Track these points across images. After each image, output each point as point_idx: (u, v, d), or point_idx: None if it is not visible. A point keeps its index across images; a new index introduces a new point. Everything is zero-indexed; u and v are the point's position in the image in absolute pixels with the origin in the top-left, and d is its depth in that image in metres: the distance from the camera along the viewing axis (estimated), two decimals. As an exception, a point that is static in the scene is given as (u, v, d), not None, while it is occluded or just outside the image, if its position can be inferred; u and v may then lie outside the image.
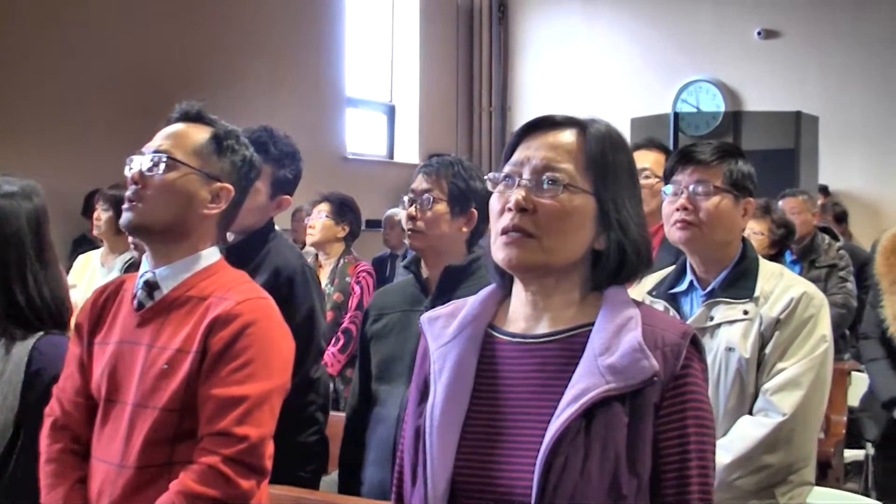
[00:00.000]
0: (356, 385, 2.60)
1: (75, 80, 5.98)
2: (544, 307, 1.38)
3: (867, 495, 3.92)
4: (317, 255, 4.46)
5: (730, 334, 2.18)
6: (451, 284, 2.34)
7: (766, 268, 2.29)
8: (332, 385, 3.89)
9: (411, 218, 2.44)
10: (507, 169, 1.39)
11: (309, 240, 4.45)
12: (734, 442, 2.13)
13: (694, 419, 1.30)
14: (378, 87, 9.54)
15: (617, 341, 1.30)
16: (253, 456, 1.72)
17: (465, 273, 2.38)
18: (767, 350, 2.16)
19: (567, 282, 1.38)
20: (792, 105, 7.75)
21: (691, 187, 2.24)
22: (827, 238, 4.82)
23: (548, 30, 10.01)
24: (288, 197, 2.72)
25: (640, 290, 2.37)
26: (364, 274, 4.25)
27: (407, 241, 2.47)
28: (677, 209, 2.24)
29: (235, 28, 7.18)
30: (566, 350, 1.34)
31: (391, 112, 9.69)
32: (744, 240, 2.33)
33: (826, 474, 3.97)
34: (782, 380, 2.13)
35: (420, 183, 2.46)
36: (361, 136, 9.08)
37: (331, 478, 2.78)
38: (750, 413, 2.17)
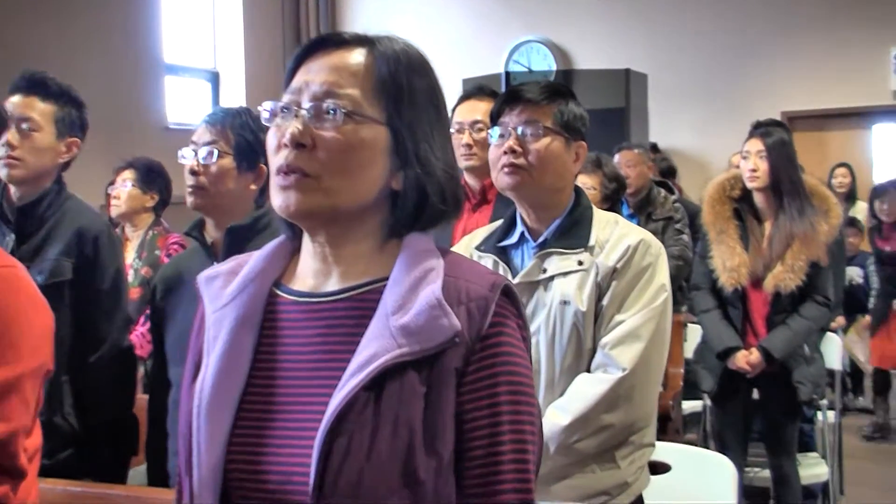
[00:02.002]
0: (153, 367, 2.39)
1: None
2: (335, 260, 1.17)
3: (706, 446, 3.95)
4: (123, 227, 4.06)
5: (564, 287, 2.01)
6: (237, 245, 2.09)
7: (601, 216, 2.13)
8: (142, 368, 3.54)
9: (193, 173, 2.19)
10: (284, 98, 1.16)
11: (114, 211, 4.02)
12: (572, 402, 1.96)
13: (507, 385, 1.10)
14: (200, 53, 9.04)
15: (413, 297, 1.10)
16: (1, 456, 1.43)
17: (251, 231, 2.18)
18: (605, 302, 2.00)
19: (360, 229, 1.16)
20: (621, 63, 7.80)
21: (519, 129, 2.05)
22: (663, 192, 4.80)
23: (377, -9, 9.76)
24: (78, 139, 2.54)
25: (468, 245, 2.19)
26: (175, 246, 3.87)
27: (188, 200, 2.22)
28: (505, 152, 2.04)
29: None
30: (357, 309, 1.13)
31: (215, 79, 9.24)
32: (576, 187, 2.17)
33: (666, 428, 3.96)
34: (621, 332, 1.98)
35: (203, 134, 2.21)
36: (184, 105, 8.57)
37: (143, 468, 2.56)
38: (588, 370, 2.02)
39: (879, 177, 8.27)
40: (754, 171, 3.47)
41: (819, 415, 4.03)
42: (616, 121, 7.51)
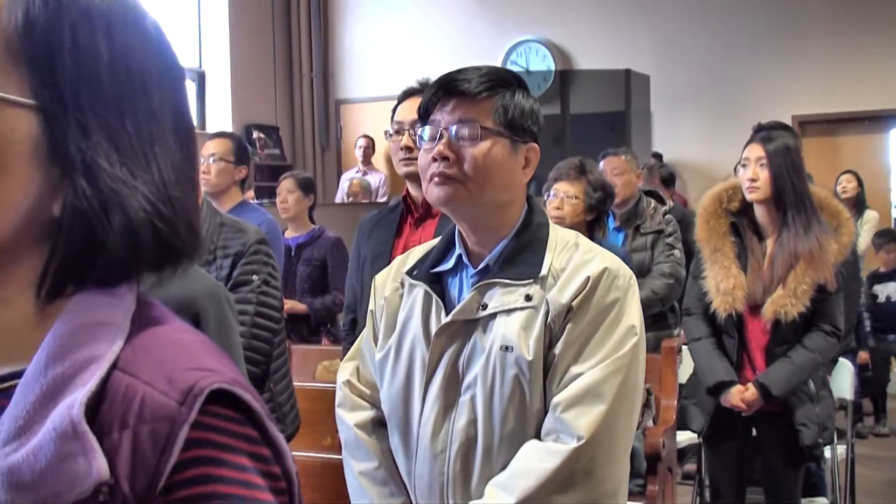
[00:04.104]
0: None
1: None
2: None
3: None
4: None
5: (506, 328, 1.60)
6: None
7: (559, 237, 1.70)
8: None
9: None
10: None
11: None
12: (515, 479, 1.55)
13: None
14: (185, 52, 8.72)
15: (44, 414, 0.65)
16: None
17: None
18: (557, 349, 1.58)
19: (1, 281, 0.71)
20: (622, 63, 7.40)
21: (453, 129, 1.63)
22: (653, 202, 4.38)
23: (370, -12, 9.42)
24: None
25: (399, 267, 1.79)
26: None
27: None
28: (434, 159, 1.63)
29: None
30: None
31: (201, 79, 8.97)
32: (529, 200, 1.75)
33: (655, 468, 3.55)
34: (577, 390, 1.55)
35: None
36: (167, 105, 8.28)
37: None
38: (538, 437, 1.60)
39: (896, 184, 7.87)
40: (754, 180, 3.04)
41: (828, 452, 3.61)
42: (616, 125, 7.10)
